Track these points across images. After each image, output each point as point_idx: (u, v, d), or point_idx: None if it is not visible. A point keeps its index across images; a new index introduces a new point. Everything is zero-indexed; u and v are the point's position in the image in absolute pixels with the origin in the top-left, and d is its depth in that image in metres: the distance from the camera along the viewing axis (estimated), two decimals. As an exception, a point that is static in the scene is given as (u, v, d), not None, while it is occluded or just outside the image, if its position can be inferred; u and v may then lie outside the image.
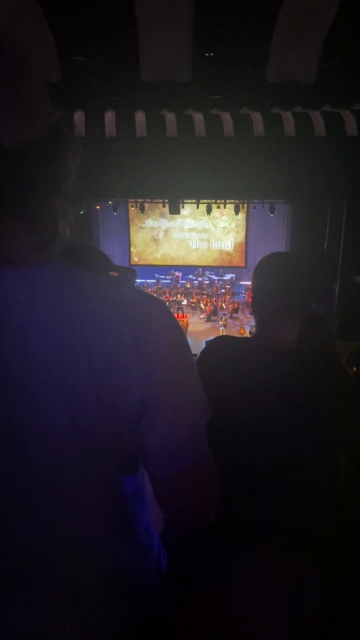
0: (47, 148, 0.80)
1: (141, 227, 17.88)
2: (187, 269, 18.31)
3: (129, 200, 13.99)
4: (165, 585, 1.08)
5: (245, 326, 14.23)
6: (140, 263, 18.33)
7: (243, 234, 17.58)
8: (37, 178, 0.79)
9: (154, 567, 1.04)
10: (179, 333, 0.92)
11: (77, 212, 0.90)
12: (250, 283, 16.43)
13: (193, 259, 18.24)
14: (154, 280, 17.70)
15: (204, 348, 1.65)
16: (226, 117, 7.65)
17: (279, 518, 1.31)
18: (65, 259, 0.86)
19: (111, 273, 1.33)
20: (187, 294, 16.99)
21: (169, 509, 0.96)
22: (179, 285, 17.73)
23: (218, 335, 13.79)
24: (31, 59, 0.79)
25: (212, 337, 1.70)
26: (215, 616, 1.04)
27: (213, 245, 17.94)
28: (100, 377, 0.81)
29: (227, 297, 16.87)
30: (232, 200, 12.92)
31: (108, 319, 0.82)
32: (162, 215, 17.13)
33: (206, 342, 1.74)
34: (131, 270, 1.46)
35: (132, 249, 18.20)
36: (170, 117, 7.75)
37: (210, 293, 17.04)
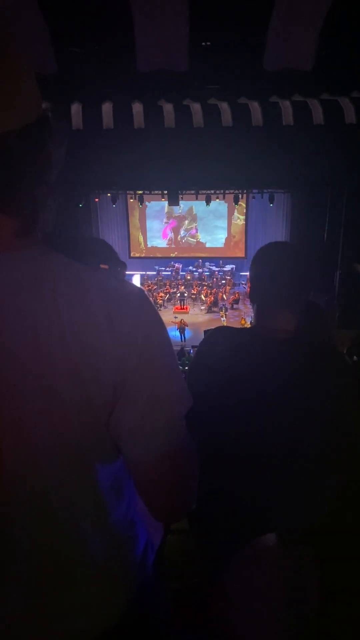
0: (31, 137, 0.79)
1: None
2: (187, 261, 18.29)
3: (127, 192, 13.95)
4: (152, 578, 1.08)
5: (246, 317, 14.25)
6: (139, 255, 18.33)
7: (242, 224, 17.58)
8: (18, 166, 0.79)
9: (137, 559, 1.04)
10: (156, 321, 0.91)
11: (59, 201, 0.89)
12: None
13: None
14: (155, 272, 17.69)
15: (204, 338, 1.66)
16: (224, 106, 7.62)
17: (279, 508, 1.32)
18: (47, 246, 0.86)
19: (102, 266, 1.32)
20: (187, 285, 16.99)
21: (143, 496, 0.96)
22: (179, 277, 17.72)
23: (218, 326, 13.86)
24: (18, 46, 0.78)
25: (211, 328, 1.70)
26: (213, 608, 1.04)
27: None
28: (74, 362, 0.81)
29: (228, 288, 16.87)
30: (232, 191, 12.88)
31: (84, 304, 0.82)
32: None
33: (205, 332, 1.74)
34: (121, 264, 1.45)
35: (130, 240, 18.19)
36: (168, 108, 7.71)
37: (210, 284, 17.03)
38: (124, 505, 1.00)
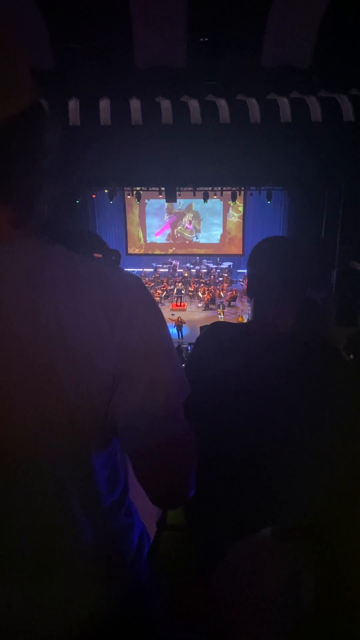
0: (25, 123, 0.79)
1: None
2: (185, 258, 18.26)
3: (125, 188, 13.91)
4: (148, 569, 1.09)
5: (243, 314, 14.25)
6: (137, 251, 18.30)
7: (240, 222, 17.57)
8: (13, 153, 0.79)
9: (133, 548, 1.04)
10: (154, 309, 0.91)
11: (55, 189, 0.89)
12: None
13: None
14: (152, 269, 17.67)
15: (200, 333, 1.66)
16: (222, 103, 7.61)
17: (275, 502, 1.32)
18: (44, 236, 0.86)
19: (95, 255, 1.32)
20: (185, 282, 16.97)
21: (142, 482, 0.96)
22: (176, 274, 17.70)
23: (216, 321, 13.84)
24: (10, 32, 0.78)
25: (208, 324, 1.70)
26: (208, 602, 1.04)
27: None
28: (73, 350, 0.81)
29: (225, 285, 16.85)
30: (229, 188, 12.86)
31: (81, 292, 0.83)
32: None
33: (201, 328, 1.75)
34: (115, 252, 1.45)
35: (128, 237, 18.15)
36: (166, 104, 7.70)
37: (208, 281, 17.02)
38: (118, 492, 1.00)
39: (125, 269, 1.07)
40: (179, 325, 13.63)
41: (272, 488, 1.36)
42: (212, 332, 1.59)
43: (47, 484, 0.87)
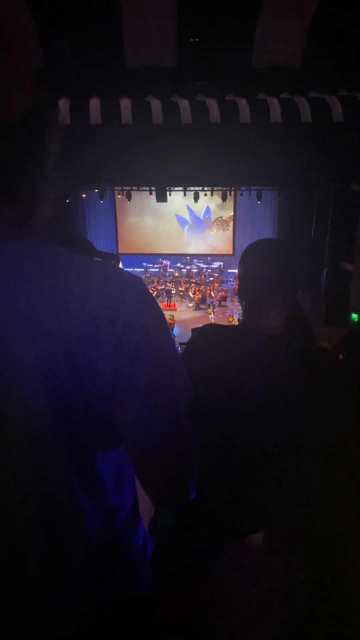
0: (28, 128, 0.79)
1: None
2: (175, 257, 18.26)
3: (115, 188, 13.89)
4: (150, 573, 1.09)
5: (234, 314, 14.27)
6: (127, 251, 18.27)
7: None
8: (16, 157, 0.79)
9: (138, 551, 1.05)
10: (155, 309, 0.92)
11: (57, 193, 0.90)
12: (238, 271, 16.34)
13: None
14: (142, 269, 17.65)
15: (192, 336, 1.66)
16: (212, 103, 7.61)
17: (267, 505, 1.32)
18: (44, 236, 0.86)
19: (95, 259, 1.33)
20: (175, 282, 16.97)
21: (143, 482, 0.97)
22: (167, 273, 17.69)
23: (207, 323, 13.79)
24: (13, 34, 0.78)
25: (199, 325, 1.70)
26: (204, 603, 1.05)
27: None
28: (74, 350, 0.82)
29: (216, 285, 16.88)
30: (220, 188, 12.88)
31: (83, 293, 0.83)
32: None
33: (192, 330, 1.75)
34: (114, 256, 1.46)
35: (118, 237, 18.12)
36: (156, 104, 7.69)
37: (198, 281, 17.03)
38: (126, 493, 1.01)
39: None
40: (171, 325, 13.63)
41: (266, 489, 1.36)
42: (204, 334, 1.59)
43: (54, 483, 0.88)
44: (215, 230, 18.14)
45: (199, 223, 18.01)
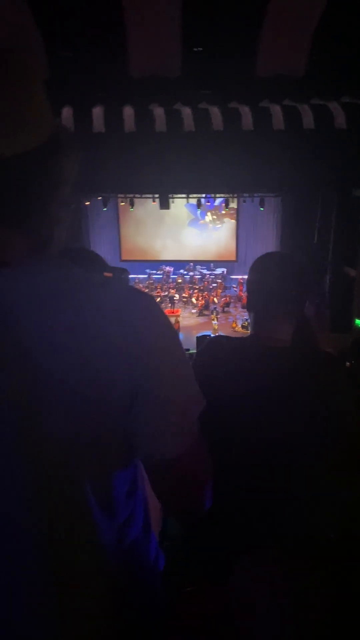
0: (45, 157, 0.80)
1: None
2: (178, 264, 18.27)
3: (118, 195, 13.91)
4: (162, 586, 1.10)
5: (237, 320, 14.25)
6: (130, 258, 18.29)
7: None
8: (33, 187, 0.80)
9: (150, 563, 1.06)
10: (168, 326, 0.95)
11: (72, 215, 0.92)
12: (241, 277, 16.39)
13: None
14: (145, 276, 17.66)
15: (200, 349, 1.66)
16: (215, 110, 7.64)
17: (280, 518, 1.32)
18: (62, 259, 0.88)
19: (105, 274, 1.36)
20: (178, 288, 16.97)
21: (160, 498, 0.99)
22: (170, 280, 17.70)
23: (210, 329, 13.70)
24: (31, 64, 0.79)
25: (202, 333, 1.71)
26: (217, 616, 1.05)
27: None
28: (92, 370, 0.83)
29: (219, 291, 16.86)
30: (222, 194, 12.89)
31: (100, 314, 0.85)
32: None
33: (197, 337, 1.76)
34: (124, 270, 1.49)
35: (122, 244, 18.15)
36: (159, 112, 7.72)
37: (201, 287, 17.03)
38: (136, 506, 1.02)
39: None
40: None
41: (278, 502, 1.36)
42: (212, 347, 1.59)
43: (70, 499, 0.89)
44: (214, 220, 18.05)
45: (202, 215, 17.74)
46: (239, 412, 1.43)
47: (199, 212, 16.49)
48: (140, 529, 1.04)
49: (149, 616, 1.04)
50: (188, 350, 10.09)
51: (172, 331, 0.95)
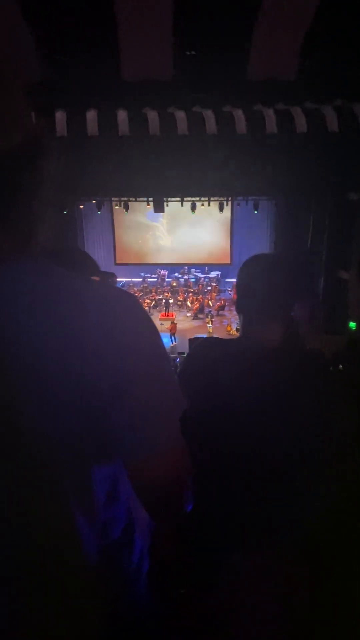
0: (24, 156, 0.81)
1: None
2: (173, 267, 18.29)
3: (112, 199, 13.93)
4: (146, 586, 1.10)
5: (232, 323, 14.26)
6: (125, 261, 18.29)
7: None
8: (12, 185, 0.81)
9: (134, 565, 1.06)
10: (149, 326, 0.96)
11: (55, 214, 0.92)
12: (235, 280, 16.38)
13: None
14: (140, 279, 17.67)
15: (191, 350, 1.67)
16: (208, 114, 7.65)
17: (271, 516, 1.32)
18: (43, 258, 0.88)
19: (93, 278, 1.36)
20: (173, 292, 16.99)
21: (139, 496, 1.00)
22: (165, 283, 17.72)
23: (205, 333, 13.69)
24: (7, 63, 0.79)
25: (196, 336, 1.71)
26: (208, 613, 1.05)
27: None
28: (73, 370, 0.84)
29: (214, 294, 16.89)
30: (217, 198, 12.92)
31: (82, 315, 0.85)
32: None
33: (190, 340, 1.77)
34: (112, 275, 1.51)
35: (116, 247, 18.15)
36: (153, 116, 7.73)
37: (196, 291, 17.05)
38: (120, 507, 1.02)
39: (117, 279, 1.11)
40: (173, 334, 13.55)
41: (269, 501, 1.36)
42: (203, 348, 1.60)
43: (49, 496, 0.89)
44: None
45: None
46: (228, 411, 1.43)
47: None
48: (120, 531, 1.04)
49: (132, 617, 1.04)
50: (183, 353, 10.09)
51: (152, 331, 0.96)
